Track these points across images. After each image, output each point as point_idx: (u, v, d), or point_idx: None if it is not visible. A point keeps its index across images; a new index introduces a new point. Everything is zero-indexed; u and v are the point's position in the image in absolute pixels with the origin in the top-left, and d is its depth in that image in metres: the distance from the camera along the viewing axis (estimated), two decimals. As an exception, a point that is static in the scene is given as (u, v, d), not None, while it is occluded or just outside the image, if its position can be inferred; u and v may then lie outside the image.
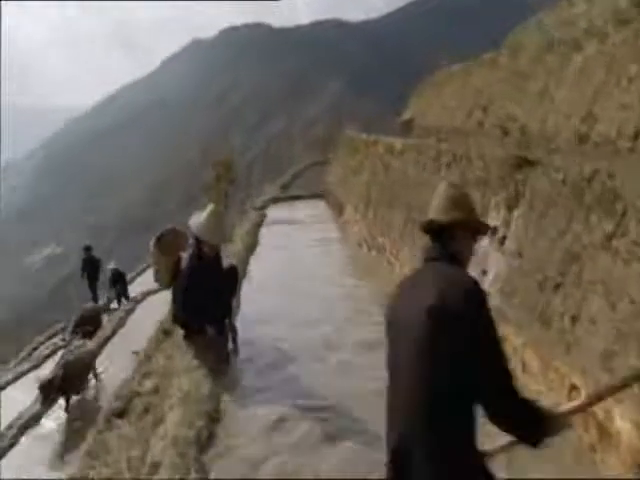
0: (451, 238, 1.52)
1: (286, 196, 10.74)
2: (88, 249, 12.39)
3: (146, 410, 3.81)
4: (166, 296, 11.06)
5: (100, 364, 9.29)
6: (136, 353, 9.13)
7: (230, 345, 4.19)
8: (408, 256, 5.28)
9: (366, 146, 7.98)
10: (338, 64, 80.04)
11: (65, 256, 66.64)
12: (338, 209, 8.77)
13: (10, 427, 6.23)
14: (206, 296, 3.82)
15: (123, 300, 11.72)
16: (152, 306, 11.60)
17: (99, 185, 78.63)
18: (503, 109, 5.65)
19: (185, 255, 3.96)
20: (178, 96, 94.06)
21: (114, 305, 11.98)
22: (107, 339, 10.17)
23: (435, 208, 1.56)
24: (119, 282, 11.82)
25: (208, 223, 3.75)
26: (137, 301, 11.41)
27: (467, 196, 1.63)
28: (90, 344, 8.01)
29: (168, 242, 4.12)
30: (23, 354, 13.19)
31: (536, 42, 5.72)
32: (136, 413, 3.86)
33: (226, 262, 4.31)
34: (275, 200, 10.48)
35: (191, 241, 3.96)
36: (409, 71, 73.81)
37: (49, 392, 6.20)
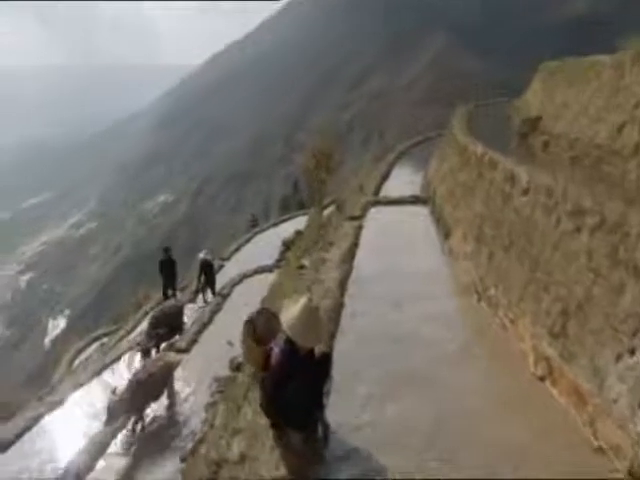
0: None
1: (386, 200, 9.47)
2: (167, 250, 12.07)
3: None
4: (264, 280, 11.06)
5: (197, 354, 9.38)
6: (230, 344, 9.19)
7: (321, 439, 3.69)
8: (529, 328, 4.31)
9: (479, 163, 6.66)
10: (441, 20, 73.33)
11: (176, 203, 71.89)
12: (443, 227, 7.60)
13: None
14: (297, 393, 3.34)
15: (209, 295, 11.30)
16: (250, 290, 11.35)
17: (208, 137, 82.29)
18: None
19: (276, 349, 3.46)
20: (279, 54, 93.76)
21: (199, 303, 11.45)
22: (204, 325, 10.37)
23: None
24: (207, 273, 11.29)
25: (301, 322, 3.29)
26: (224, 296, 11.13)
27: None
28: (168, 356, 7.48)
29: (260, 328, 3.71)
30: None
31: None
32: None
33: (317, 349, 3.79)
34: (374, 204, 9.36)
35: (283, 336, 3.44)
36: (517, 29, 65.85)
37: (117, 413, 5.82)
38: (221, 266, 14.33)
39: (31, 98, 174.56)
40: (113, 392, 6.05)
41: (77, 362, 13.92)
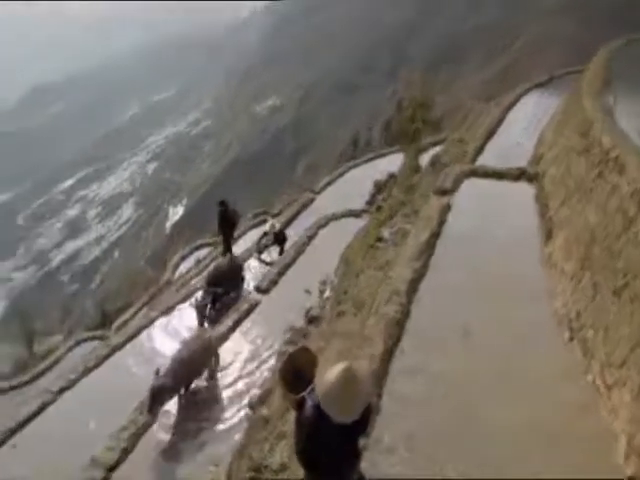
0: None
1: (484, 171, 8.07)
2: (222, 204, 11.10)
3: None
4: (350, 226, 10.78)
5: (274, 296, 9.20)
6: (308, 292, 9.30)
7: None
8: (629, 406, 3.27)
9: (603, 159, 5.18)
10: None
11: (283, 108, 71.64)
12: (545, 225, 6.02)
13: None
14: (330, 446, 2.84)
15: (274, 255, 10.81)
16: (333, 235, 10.83)
17: (316, 45, 78.28)
18: None
19: (309, 401, 3.00)
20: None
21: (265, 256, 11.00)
22: (287, 266, 10.51)
23: None
24: (280, 240, 10.86)
25: (336, 394, 2.62)
26: (309, 237, 10.93)
27: None
28: (207, 332, 7.13)
29: (299, 364, 3.27)
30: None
31: None
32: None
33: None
34: (469, 174, 8.02)
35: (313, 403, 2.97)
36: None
37: (160, 400, 5.61)
38: (312, 199, 14.22)
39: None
40: (156, 373, 5.83)
41: (177, 273, 15.28)
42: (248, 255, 11.25)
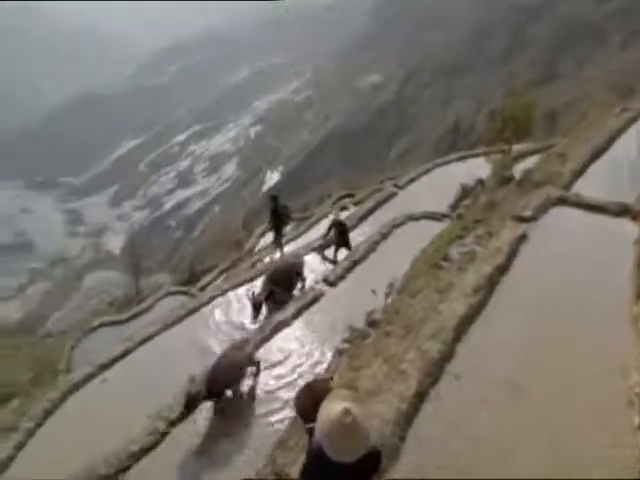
0: None
1: (577, 201, 7.03)
2: (274, 199, 10.59)
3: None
4: (428, 229, 10.21)
5: (340, 292, 8.94)
6: (374, 293, 9.08)
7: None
8: None
9: None
10: None
11: (386, 85, 69.54)
12: (636, 280, 5.03)
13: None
14: None
15: (340, 254, 10.23)
16: (408, 237, 10.35)
17: (421, 24, 73.92)
18: None
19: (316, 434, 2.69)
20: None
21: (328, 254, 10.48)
22: (356, 262, 10.39)
23: None
24: (341, 233, 10.30)
25: (334, 432, 2.48)
26: (383, 234, 10.48)
27: None
28: (253, 341, 6.77)
29: (317, 394, 3.22)
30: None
31: None
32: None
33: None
34: (558, 202, 7.00)
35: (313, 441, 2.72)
36: None
37: (193, 405, 5.52)
38: (394, 193, 13.83)
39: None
40: (191, 380, 5.77)
41: (262, 242, 15.97)
42: (313, 249, 10.74)
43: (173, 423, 6.12)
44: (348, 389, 4.04)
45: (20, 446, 6.92)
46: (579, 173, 8.35)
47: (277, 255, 10.99)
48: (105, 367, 8.42)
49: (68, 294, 47.42)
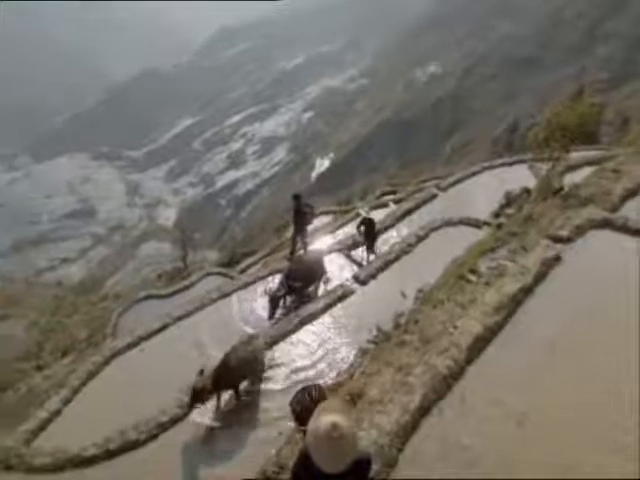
0: None
1: (621, 225, 6.53)
2: (296, 197, 10.43)
3: None
4: (466, 236, 9.91)
5: (369, 291, 9.05)
6: (404, 295, 8.87)
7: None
8: None
9: None
10: None
11: (445, 77, 67.14)
12: None
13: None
14: None
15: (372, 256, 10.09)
16: (444, 242, 10.12)
17: (489, 14, 70.07)
18: None
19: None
20: None
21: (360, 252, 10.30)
22: (389, 263, 10.33)
23: None
24: (369, 231, 10.06)
25: (321, 443, 2.50)
26: (419, 238, 10.35)
27: None
28: (257, 341, 6.63)
29: (315, 398, 3.30)
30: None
31: None
32: None
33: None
34: (600, 225, 6.54)
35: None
36: None
37: (200, 399, 5.61)
38: (435, 195, 13.54)
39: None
40: (200, 373, 5.82)
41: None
42: (338, 248, 10.62)
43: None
44: (353, 395, 4.18)
45: (66, 402, 7.66)
46: (632, 192, 7.82)
47: (301, 251, 10.92)
48: (144, 339, 9.10)
49: (125, 260, 50.46)
